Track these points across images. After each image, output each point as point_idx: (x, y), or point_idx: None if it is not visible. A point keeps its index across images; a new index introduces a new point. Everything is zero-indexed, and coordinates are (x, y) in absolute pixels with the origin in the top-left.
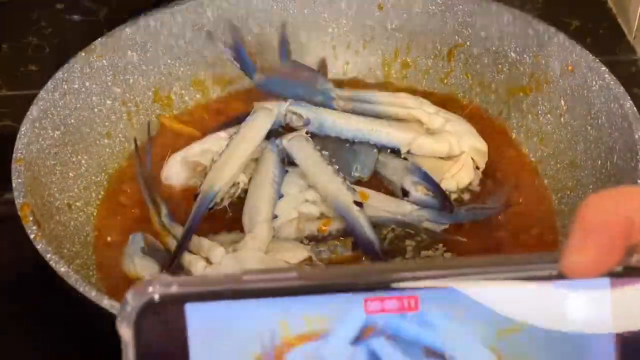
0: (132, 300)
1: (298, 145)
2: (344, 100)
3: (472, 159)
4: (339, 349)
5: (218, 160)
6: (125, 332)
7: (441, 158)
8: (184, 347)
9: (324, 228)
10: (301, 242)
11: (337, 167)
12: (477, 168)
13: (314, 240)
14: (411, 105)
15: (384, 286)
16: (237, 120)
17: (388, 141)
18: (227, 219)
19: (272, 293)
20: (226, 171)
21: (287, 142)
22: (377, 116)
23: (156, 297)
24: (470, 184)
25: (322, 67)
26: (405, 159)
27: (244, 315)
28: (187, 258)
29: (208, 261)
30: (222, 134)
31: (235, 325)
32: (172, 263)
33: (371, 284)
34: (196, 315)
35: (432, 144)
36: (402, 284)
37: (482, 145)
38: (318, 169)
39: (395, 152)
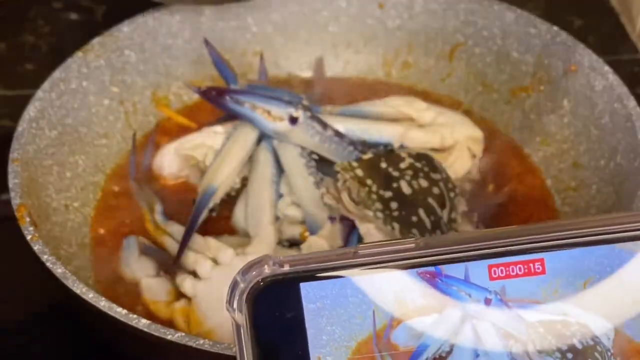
0: (243, 282)
1: (285, 149)
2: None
3: (468, 148)
4: (451, 324)
5: (216, 158)
6: (237, 315)
7: (436, 151)
8: (300, 326)
9: (305, 235)
10: (281, 244)
11: (322, 177)
12: (474, 156)
13: (295, 244)
14: (400, 103)
15: (509, 251)
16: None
17: (380, 137)
18: (212, 219)
19: (388, 266)
20: (225, 167)
21: (277, 143)
22: (367, 118)
23: (268, 277)
24: (469, 172)
25: (319, 66)
26: None
27: (359, 289)
28: (193, 257)
29: (214, 261)
30: (218, 129)
31: (350, 300)
32: (176, 261)
33: (494, 250)
34: (311, 292)
35: (423, 135)
36: (527, 247)
37: (477, 133)
38: (299, 178)
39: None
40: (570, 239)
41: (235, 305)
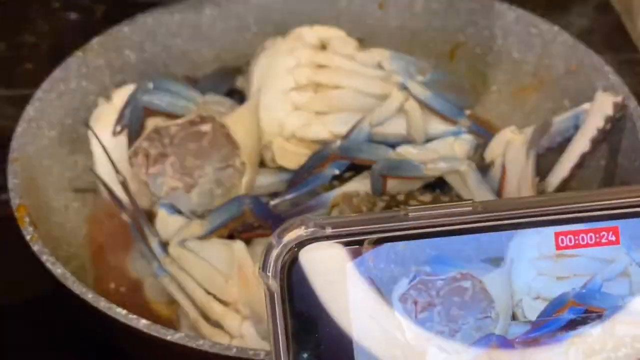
0: (278, 246)
1: None
2: None
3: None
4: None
5: None
6: (271, 282)
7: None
8: (341, 295)
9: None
10: None
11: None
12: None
13: None
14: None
15: (579, 218)
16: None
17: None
18: None
19: (441, 231)
20: None
21: None
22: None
23: (306, 241)
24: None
25: None
26: None
27: (409, 255)
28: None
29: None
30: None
31: (398, 266)
32: None
33: (562, 216)
34: (354, 257)
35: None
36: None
37: None
38: None
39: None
40: None
41: (269, 272)
